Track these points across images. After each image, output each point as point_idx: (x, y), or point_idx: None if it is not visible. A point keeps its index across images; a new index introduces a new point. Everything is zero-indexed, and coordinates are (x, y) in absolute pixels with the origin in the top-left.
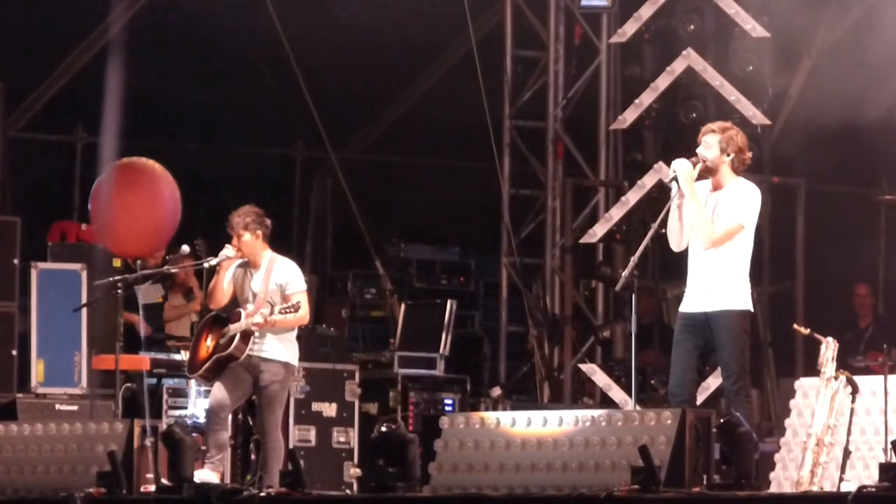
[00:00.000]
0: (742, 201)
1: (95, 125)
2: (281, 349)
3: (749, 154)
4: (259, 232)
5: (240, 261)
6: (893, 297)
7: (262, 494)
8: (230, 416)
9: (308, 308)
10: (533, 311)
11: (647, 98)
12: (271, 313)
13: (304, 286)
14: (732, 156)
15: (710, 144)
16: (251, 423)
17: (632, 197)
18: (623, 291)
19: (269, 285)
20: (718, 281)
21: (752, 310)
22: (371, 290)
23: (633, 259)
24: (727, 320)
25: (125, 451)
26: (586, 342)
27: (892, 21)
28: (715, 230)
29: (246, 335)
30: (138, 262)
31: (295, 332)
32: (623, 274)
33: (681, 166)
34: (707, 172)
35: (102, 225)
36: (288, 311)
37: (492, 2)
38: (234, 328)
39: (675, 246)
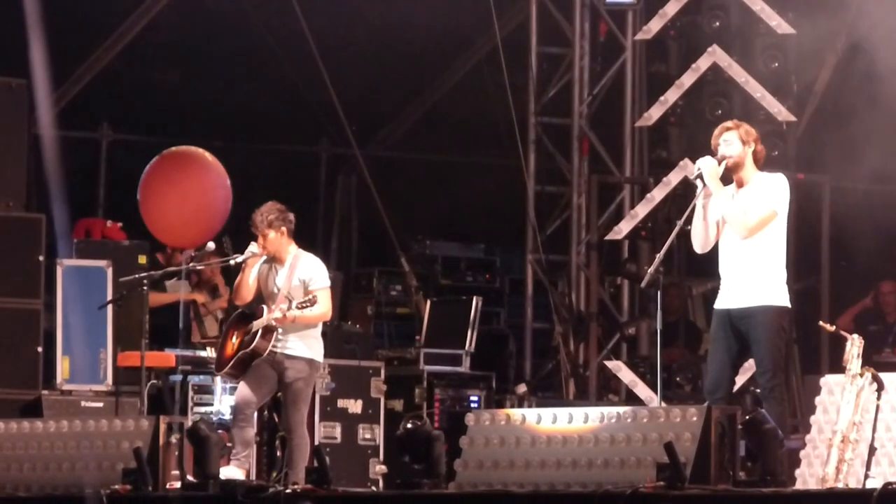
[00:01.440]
0: (771, 190)
1: (120, 122)
2: (304, 346)
3: (763, 147)
4: (283, 228)
5: (265, 257)
6: None
7: (288, 491)
8: (256, 413)
9: (330, 304)
10: (558, 307)
11: (672, 95)
12: (289, 308)
13: (327, 282)
14: (753, 146)
15: (730, 141)
16: (277, 420)
17: (657, 194)
18: (648, 288)
19: (292, 281)
20: (754, 276)
21: (789, 306)
22: (396, 286)
23: (659, 256)
24: (764, 316)
25: (150, 448)
26: (611, 339)
27: None
28: (749, 218)
29: (268, 331)
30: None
31: (319, 329)
32: (648, 271)
33: (706, 164)
34: (731, 171)
35: (153, 213)
36: (305, 305)
37: None
38: (257, 324)
39: (700, 247)
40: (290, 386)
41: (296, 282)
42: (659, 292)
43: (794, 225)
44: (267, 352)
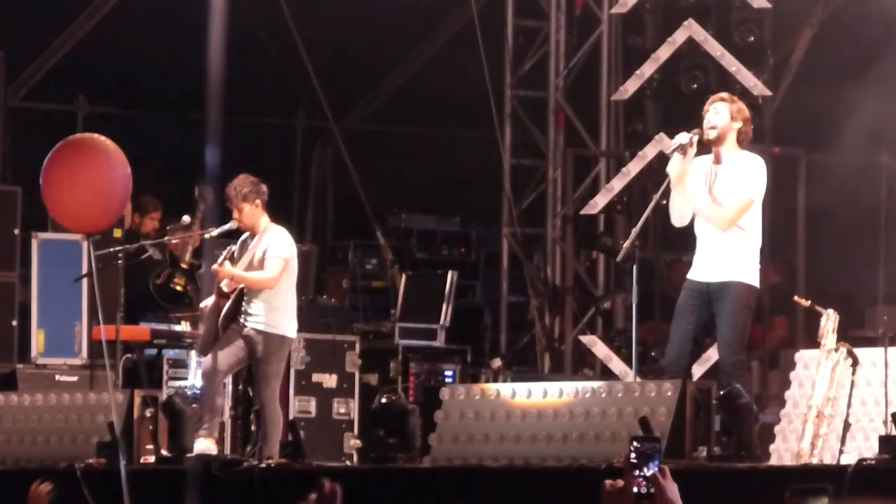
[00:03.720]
0: (749, 174)
1: (97, 95)
2: (275, 321)
3: (751, 128)
4: (258, 201)
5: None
6: (893, 266)
7: (262, 465)
8: (224, 384)
9: (277, 273)
10: (534, 281)
11: (648, 68)
12: (220, 263)
13: (284, 253)
14: (741, 124)
15: (720, 111)
16: (251, 394)
17: (633, 168)
18: (624, 262)
19: (256, 252)
20: (727, 253)
21: (757, 286)
22: (372, 260)
23: (635, 230)
24: (731, 290)
25: (125, 422)
26: (587, 313)
27: None
28: (726, 212)
29: (218, 295)
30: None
31: (290, 303)
32: (624, 245)
33: (672, 168)
34: (713, 143)
35: (53, 200)
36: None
37: None
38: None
39: (678, 221)
40: (260, 361)
41: (259, 252)
42: (634, 266)
43: (770, 200)
44: (225, 311)
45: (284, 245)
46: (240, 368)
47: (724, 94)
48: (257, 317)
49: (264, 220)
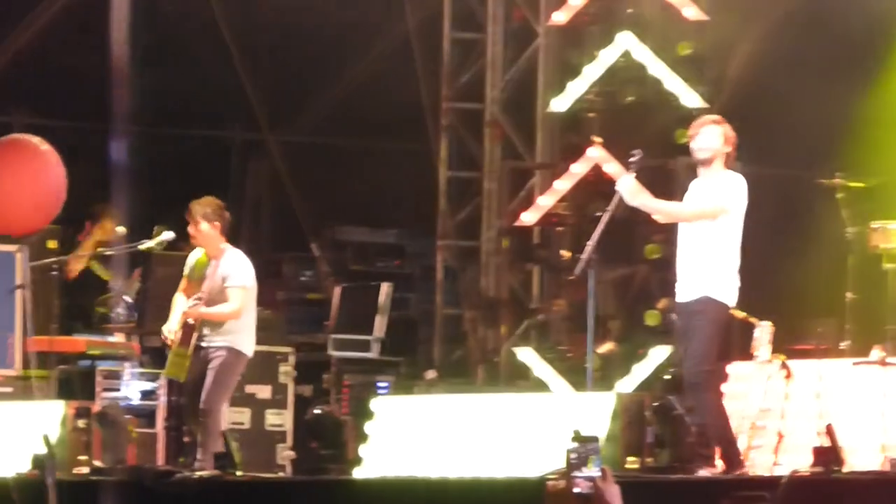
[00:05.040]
0: (723, 187)
1: (35, 106)
2: (234, 341)
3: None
4: (217, 223)
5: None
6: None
7: (195, 477)
8: (159, 395)
9: (241, 303)
10: (468, 293)
11: (585, 81)
12: (197, 305)
13: (244, 282)
14: (730, 149)
15: (712, 133)
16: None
17: (563, 185)
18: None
19: (214, 278)
20: (698, 271)
21: (728, 303)
22: (307, 272)
23: (590, 243)
24: (699, 305)
25: (59, 434)
26: (521, 325)
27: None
28: (684, 209)
29: (185, 325)
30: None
31: (250, 325)
32: (582, 258)
33: (624, 185)
34: (702, 164)
35: None
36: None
37: None
38: (177, 321)
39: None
40: (216, 370)
41: (218, 279)
42: (590, 281)
43: None
44: (192, 346)
45: (242, 273)
46: None
47: (716, 117)
48: (214, 337)
49: (224, 245)
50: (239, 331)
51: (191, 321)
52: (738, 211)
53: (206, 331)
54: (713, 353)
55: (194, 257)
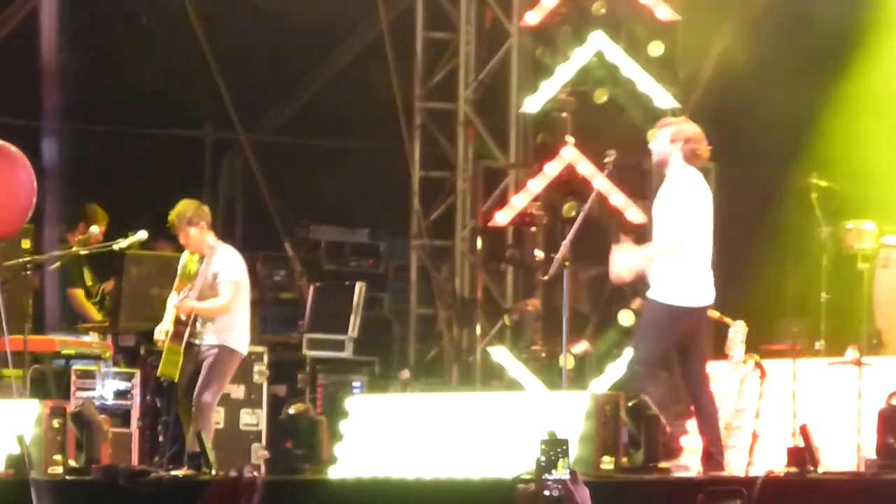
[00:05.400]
0: (673, 201)
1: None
2: (226, 338)
3: (703, 145)
4: (202, 223)
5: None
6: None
7: (169, 476)
8: (133, 395)
9: (231, 297)
10: (442, 293)
11: (557, 81)
12: (182, 300)
13: (234, 276)
14: (681, 143)
15: (658, 136)
16: (159, 405)
17: (536, 185)
18: (554, 277)
19: (206, 275)
20: (655, 274)
21: (677, 304)
22: (280, 272)
23: (565, 243)
24: (649, 305)
25: (33, 433)
26: (496, 325)
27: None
28: (654, 250)
29: (178, 322)
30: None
31: (243, 321)
32: (556, 258)
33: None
34: (660, 165)
35: None
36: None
37: None
38: (169, 319)
39: None
40: (210, 367)
41: (210, 276)
42: (565, 281)
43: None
44: (184, 343)
45: (233, 267)
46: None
47: (670, 118)
48: (205, 334)
49: (210, 239)
50: (232, 328)
51: (182, 317)
52: (693, 212)
53: (198, 327)
54: (651, 353)
55: (187, 255)
